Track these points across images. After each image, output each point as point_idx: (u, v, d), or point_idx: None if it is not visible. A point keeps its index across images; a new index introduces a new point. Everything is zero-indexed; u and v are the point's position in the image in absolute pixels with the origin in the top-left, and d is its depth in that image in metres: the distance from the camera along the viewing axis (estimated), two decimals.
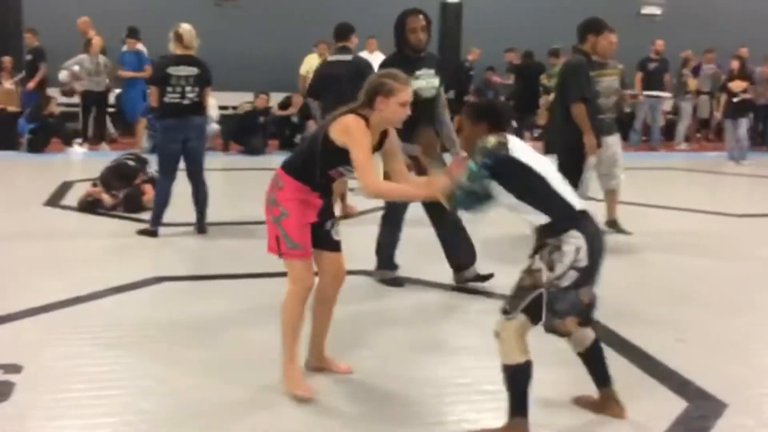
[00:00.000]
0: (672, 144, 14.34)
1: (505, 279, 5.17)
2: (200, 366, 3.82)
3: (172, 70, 6.36)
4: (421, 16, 5.03)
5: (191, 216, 6.64)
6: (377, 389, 3.61)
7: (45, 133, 11.79)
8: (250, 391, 3.53)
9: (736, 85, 11.86)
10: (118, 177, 7.64)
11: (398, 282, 5.23)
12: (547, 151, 6.66)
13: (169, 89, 6.34)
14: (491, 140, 3.00)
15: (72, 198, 7.91)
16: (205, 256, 6.17)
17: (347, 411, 3.40)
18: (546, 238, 3.00)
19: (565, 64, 6.42)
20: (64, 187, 8.58)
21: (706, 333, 4.45)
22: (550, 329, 3.05)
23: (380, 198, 3.25)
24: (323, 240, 3.53)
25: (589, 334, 3.24)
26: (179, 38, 6.38)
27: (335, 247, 3.58)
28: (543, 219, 3.00)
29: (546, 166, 3.07)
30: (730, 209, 8.20)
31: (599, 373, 3.27)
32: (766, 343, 4.36)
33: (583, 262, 2.95)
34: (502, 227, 6.79)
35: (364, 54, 13.03)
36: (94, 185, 7.58)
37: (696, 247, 6.63)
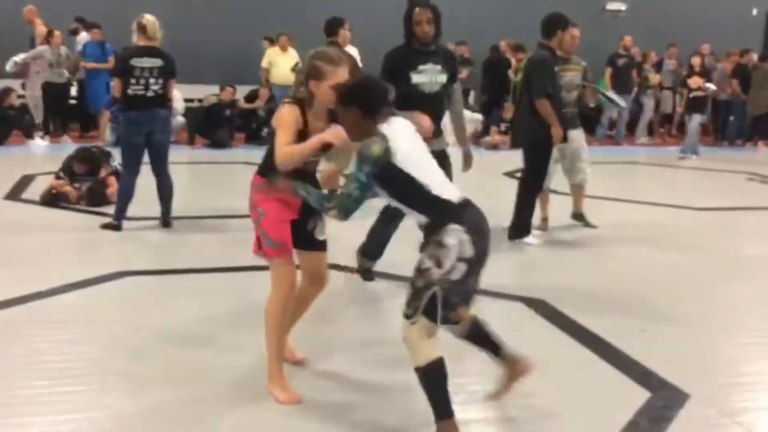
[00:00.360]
0: (634, 139, 14.51)
1: None
2: (165, 361, 3.78)
3: (136, 62, 6.27)
4: (425, 9, 4.90)
5: (156, 210, 6.57)
6: (360, 388, 3.61)
7: (5, 125, 11.58)
8: (217, 387, 3.51)
9: (694, 81, 12.00)
10: (80, 160, 7.54)
11: (368, 275, 5.19)
12: (513, 145, 6.69)
13: (133, 81, 6.26)
14: (375, 148, 2.88)
15: (33, 191, 7.78)
16: (170, 250, 6.11)
17: (329, 411, 3.39)
18: (429, 236, 2.95)
19: (530, 59, 6.46)
20: (25, 180, 8.43)
21: (668, 324, 4.51)
22: (444, 322, 3.00)
23: (288, 163, 3.10)
24: (305, 240, 3.44)
25: (469, 316, 3.22)
26: (143, 29, 6.30)
27: (318, 246, 3.49)
28: (423, 218, 2.97)
29: (425, 166, 3.00)
30: (690, 203, 8.32)
31: (490, 344, 3.25)
32: (728, 333, 4.43)
33: (469, 252, 2.90)
34: None
35: None
36: (58, 177, 7.46)
37: (658, 240, 6.72)
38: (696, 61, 12.46)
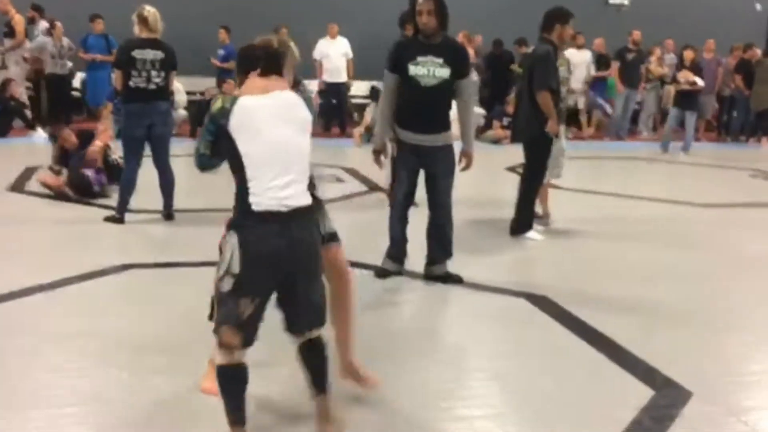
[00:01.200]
0: (636, 133, 14.48)
1: (478, 270, 5.26)
2: (168, 354, 3.77)
3: (137, 54, 6.25)
4: (431, 1, 4.75)
5: (158, 203, 6.56)
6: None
7: (7, 116, 11.56)
8: None
9: (683, 75, 11.91)
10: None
11: (380, 272, 5.10)
12: (514, 140, 6.67)
13: (134, 73, 6.24)
14: (217, 103, 2.75)
15: (36, 183, 7.75)
16: (172, 243, 6.10)
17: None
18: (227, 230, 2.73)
19: (533, 52, 6.43)
20: (28, 172, 8.41)
21: (672, 321, 4.50)
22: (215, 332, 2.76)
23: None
24: None
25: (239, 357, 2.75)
26: (144, 21, 6.27)
27: (328, 239, 3.23)
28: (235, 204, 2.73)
29: (265, 155, 2.66)
30: (693, 199, 8.29)
31: (315, 378, 2.90)
32: (731, 331, 4.42)
33: (235, 269, 2.61)
34: (475, 217, 6.84)
35: (325, 41, 13.01)
36: (51, 169, 7.47)
37: (661, 236, 6.71)
38: (688, 54, 12.40)
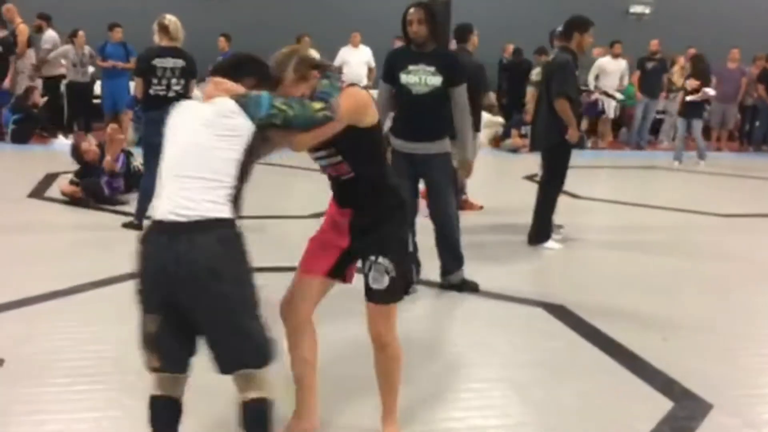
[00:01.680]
0: (657, 143, 14.38)
1: (490, 280, 5.23)
2: None
3: (158, 62, 6.29)
4: (417, 9, 4.74)
5: None
6: (360, 382, 3.59)
7: (29, 123, 11.68)
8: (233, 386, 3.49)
9: (690, 84, 11.77)
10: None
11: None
12: (533, 149, 6.65)
13: (155, 81, 6.28)
14: None
15: (56, 190, 7.82)
16: None
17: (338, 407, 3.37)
18: None
19: (552, 61, 6.41)
20: (49, 179, 8.49)
21: (691, 332, 4.45)
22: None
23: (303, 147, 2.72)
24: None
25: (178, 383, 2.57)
26: (165, 30, 6.32)
27: (369, 295, 2.81)
28: None
29: (174, 154, 2.58)
30: (714, 209, 8.22)
31: None
32: (750, 342, 4.37)
33: (138, 282, 2.49)
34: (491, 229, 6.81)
35: (347, 48, 13.06)
36: (72, 183, 7.51)
37: (681, 246, 6.65)
38: (693, 62, 12.21)
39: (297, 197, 8.98)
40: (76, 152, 7.59)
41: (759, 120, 14.43)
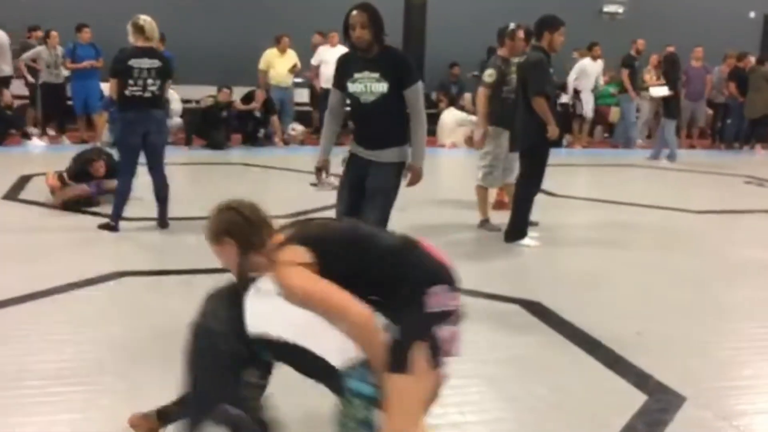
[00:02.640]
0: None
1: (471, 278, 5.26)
2: (162, 362, 3.77)
3: (134, 63, 6.26)
4: (360, 12, 4.40)
5: (153, 211, 6.57)
6: None
7: (2, 125, 11.56)
8: None
9: (648, 80, 11.87)
10: (98, 159, 7.59)
11: None
12: (512, 149, 6.70)
13: (131, 82, 6.25)
14: None
15: (31, 191, 7.77)
16: (167, 251, 6.10)
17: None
18: None
19: (525, 60, 6.46)
20: (23, 181, 8.42)
21: (664, 327, 4.52)
22: None
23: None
24: None
25: None
26: (140, 30, 6.29)
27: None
28: None
29: None
30: (688, 205, 8.33)
31: None
32: (722, 336, 4.44)
33: None
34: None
35: (324, 48, 13.07)
36: (61, 179, 7.45)
37: (655, 242, 6.75)
38: (653, 60, 12.30)
39: (274, 197, 8.97)
40: (86, 166, 7.50)
41: (730, 118, 14.62)
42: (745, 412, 3.46)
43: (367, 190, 4.59)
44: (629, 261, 6.06)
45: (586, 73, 13.49)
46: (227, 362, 2.47)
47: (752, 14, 16.94)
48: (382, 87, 4.49)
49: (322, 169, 4.78)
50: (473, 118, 13.22)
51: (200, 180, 9.83)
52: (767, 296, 5.29)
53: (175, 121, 11.97)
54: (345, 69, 4.61)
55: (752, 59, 14.49)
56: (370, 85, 4.50)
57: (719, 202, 8.94)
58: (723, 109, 14.68)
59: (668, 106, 12.07)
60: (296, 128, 13.26)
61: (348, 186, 4.69)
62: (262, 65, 12.72)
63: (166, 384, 3.51)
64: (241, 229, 2.57)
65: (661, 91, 12.23)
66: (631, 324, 4.51)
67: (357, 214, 4.54)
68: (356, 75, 4.52)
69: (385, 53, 4.54)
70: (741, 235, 7.34)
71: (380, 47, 4.50)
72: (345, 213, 4.65)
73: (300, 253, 2.38)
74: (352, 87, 4.55)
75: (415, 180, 4.72)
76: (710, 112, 14.74)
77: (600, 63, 13.65)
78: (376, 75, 4.48)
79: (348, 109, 4.77)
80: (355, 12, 4.43)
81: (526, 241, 6.35)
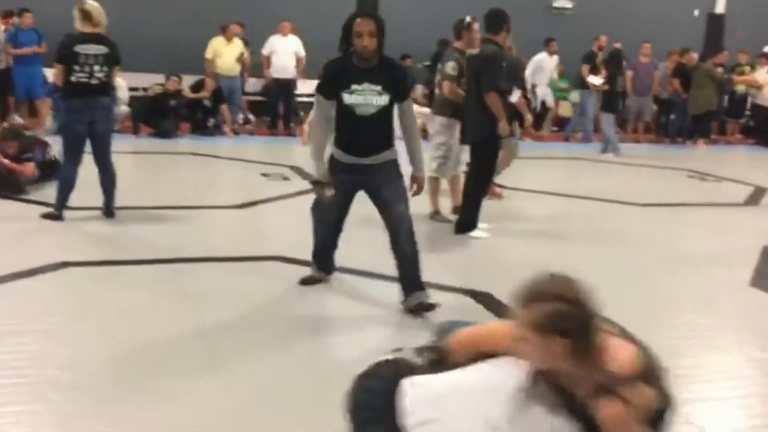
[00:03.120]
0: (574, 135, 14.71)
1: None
2: (107, 352, 3.72)
3: (80, 49, 6.13)
4: (368, 20, 4.31)
5: (98, 200, 6.45)
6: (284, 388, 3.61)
7: None
8: (158, 381, 3.47)
9: (585, 71, 12.11)
10: (8, 139, 7.42)
11: (307, 279, 4.95)
12: (463, 141, 6.73)
13: (77, 68, 6.12)
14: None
15: None
16: (112, 241, 5.99)
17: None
18: None
19: (479, 54, 6.48)
20: None
21: (609, 316, 4.58)
22: None
23: None
24: None
25: None
26: (87, 16, 6.15)
27: None
28: None
29: None
30: (632, 198, 8.47)
31: None
32: (664, 326, 4.53)
33: None
34: None
35: (276, 37, 12.97)
36: None
37: (601, 234, 6.86)
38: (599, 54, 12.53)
39: (223, 187, 8.89)
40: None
41: (674, 113, 14.92)
42: (685, 400, 3.54)
43: (377, 188, 4.51)
44: (576, 252, 6.15)
45: (542, 68, 13.74)
46: None
47: (696, 12, 17.29)
48: (384, 100, 4.39)
49: (324, 183, 4.51)
50: (425, 110, 13.30)
51: (148, 169, 9.68)
52: (706, 287, 5.44)
53: (123, 109, 11.76)
54: (340, 79, 4.39)
55: (695, 56, 14.80)
56: (371, 98, 4.36)
57: (662, 195, 9.13)
58: (667, 104, 14.97)
59: (606, 100, 12.32)
60: (250, 119, 13.16)
61: (342, 193, 4.55)
62: (208, 54, 12.57)
63: (110, 375, 3.47)
64: (581, 332, 2.10)
65: (596, 80, 12.48)
66: None
67: (344, 217, 4.67)
68: (354, 86, 4.34)
69: (384, 64, 4.45)
70: (682, 227, 7.51)
71: (379, 57, 4.40)
72: (338, 220, 4.68)
73: (650, 399, 2.04)
74: (349, 99, 4.36)
75: (420, 189, 4.67)
76: (655, 107, 15.02)
77: (555, 58, 13.91)
78: (378, 88, 4.36)
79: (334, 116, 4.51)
80: (361, 20, 4.31)
81: (476, 233, 6.40)
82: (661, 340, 4.28)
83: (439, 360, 2.36)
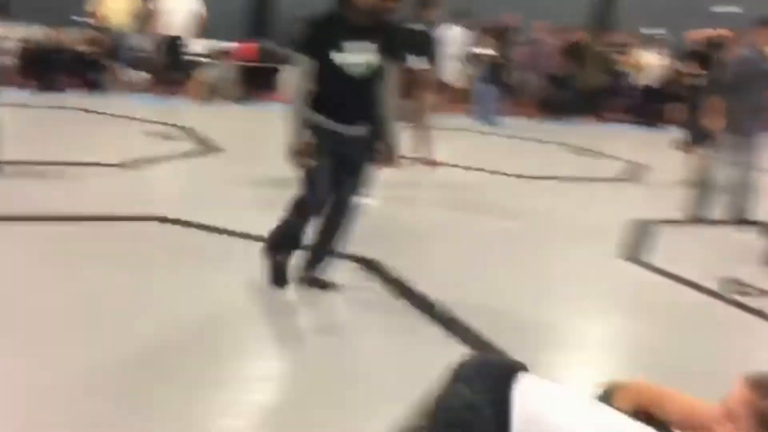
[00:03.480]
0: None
1: None
2: None
3: None
4: None
5: None
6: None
7: None
8: (37, 335, 3.44)
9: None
10: None
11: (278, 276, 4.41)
12: None
13: None
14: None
15: None
16: None
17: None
18: None
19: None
20: None
21: (495, 289, 4.84)
22: None
23: None
24: None
25: None
26: None
27: None
28: None
29: None
30: (514, 170, 8.75)
31: None
32: (546, 301, 4.79)
33: None
34: None
35: None
36: None
37: (483, 204, 7.11)
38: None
39: (110, 145, 8.68)
40: None
41: (562, 89, 15.41)
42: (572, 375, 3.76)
43: (348, 163, 4.16)
44: (459, 220, 6.40)
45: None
46: None
47: None
48: (377, 59, 4.04)
49: (305, 152, 4.03)
50: None
51: (34, 123, 9.32)
52: (585, 258, 5.73)
53: (7, 60, 11.26)
54: (327, 35, 3.98)
55: (583, 34, 15.31)
56: (365, 58, 4.01)
57: (543, 168, 9.36)
58: (555, 81, 15.43)
59: (491, 73, 12.80)
60: (139, 75, 12.84)
61: (328, 165, 4.11)
62: (91, 5, 12.15)
63: None
64: None
65: (483, 50, 12.93)
66: (462, 283, 4.79)
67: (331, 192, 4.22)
68: (346, 44, 3.95)
69: (387, 23, 4.13)
70: (555, 200, 7.80)
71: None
72: (324, 197, 4.22)
73: None
74: (340, 58, 3.95)
75: (392, 163, 4.32)
76: (543, 83, 15.47)
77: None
78: (374, 46, 4.01)
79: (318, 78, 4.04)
80: None
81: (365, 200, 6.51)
82: (524, 307, 4.55)
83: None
